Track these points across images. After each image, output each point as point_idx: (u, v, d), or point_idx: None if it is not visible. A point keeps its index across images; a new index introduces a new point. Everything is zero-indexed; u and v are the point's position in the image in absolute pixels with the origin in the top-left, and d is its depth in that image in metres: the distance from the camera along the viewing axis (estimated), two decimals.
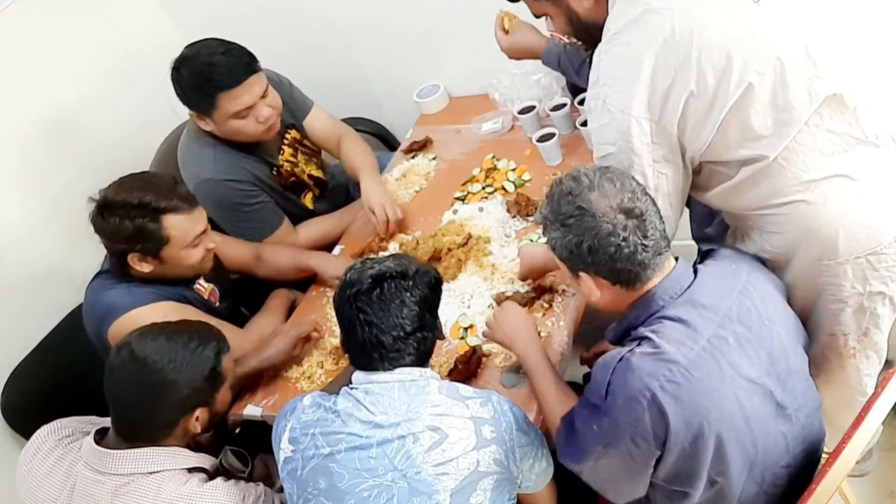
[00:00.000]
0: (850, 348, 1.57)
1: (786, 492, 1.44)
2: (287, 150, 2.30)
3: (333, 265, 2.10)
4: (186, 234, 1.78)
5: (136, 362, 1.43)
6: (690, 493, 1.37)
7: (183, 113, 2.61)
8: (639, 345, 1.31)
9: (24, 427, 2.08)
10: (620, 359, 1.31)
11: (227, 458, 1.59)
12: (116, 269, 1.84)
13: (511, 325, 1.62)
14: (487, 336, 1.68)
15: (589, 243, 1.29)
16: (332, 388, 1.54)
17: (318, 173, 2.40)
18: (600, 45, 1.46)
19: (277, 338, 1.86)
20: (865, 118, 1.38)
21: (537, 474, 1.47)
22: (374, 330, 1.37)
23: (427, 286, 1.42)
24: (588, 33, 1.55)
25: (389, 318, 1.37)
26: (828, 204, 1.40)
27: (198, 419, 1.50)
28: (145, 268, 1.79)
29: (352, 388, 1.41)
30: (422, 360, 1.42)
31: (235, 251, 2.17)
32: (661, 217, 1.35)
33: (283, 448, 1.42)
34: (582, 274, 1.35)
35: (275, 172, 2.25)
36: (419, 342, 1.40)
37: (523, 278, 1.84)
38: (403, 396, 1.36)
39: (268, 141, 2.20)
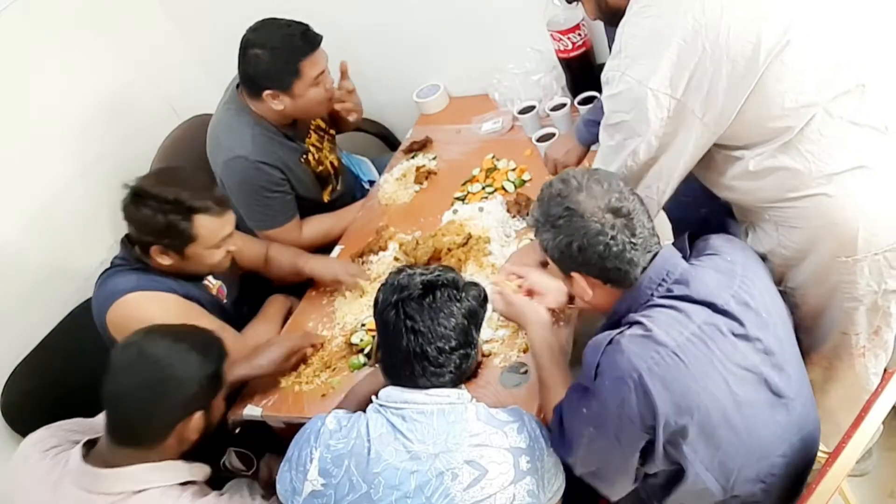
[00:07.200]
0: (861, 347, 1.57)
1: (782, 482, 1.44)
2: (313, 136, 2.32)
3: (331, 268, 2.10)
4: (214, 234, 1.80)
5: (144, 359, 1.41)
6: (686, 468, 1.37)
7: (183, 113, 2.63)
8: (629, 327, 1.33)
9: (24, 427, 2.07)
10: (610, 341, 1.32)
11: (231, 459, 1.59)
12: (131, 258, 1.85)
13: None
14: (497, 310, 1.69)
15: (579, 243, 1.33)
16: (351, 402, 1.52)
17: (337, 162, 2.42)
18: (626, 16, 1.45)
19: (271, 347, 1.84)
20: (883, 108, 1.37)
21: (555, 492, 1.44)
22: (419, 339, 1.34)
23: (474, 299, 1.40)
24: (616, 17, 1.54)
25: (437, 328, 1.34)
26: (849, 198, 1.39)
27: (194, 424, 1.47)
28: (165, 261, 1.80)
29: (383, 406, 1.37)
30: (459, 379, 1.39)
31: (253, 250, 2.18)
32: (649, 216, 1.37)
33: (310, 479, 1.35)
34: (574, 274, 1.38)
35: (303, 160, 2.26)
36: (461, 359, 1.37)
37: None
38: (442, 424, 1.33)
39: (299, 126, 2.24)
